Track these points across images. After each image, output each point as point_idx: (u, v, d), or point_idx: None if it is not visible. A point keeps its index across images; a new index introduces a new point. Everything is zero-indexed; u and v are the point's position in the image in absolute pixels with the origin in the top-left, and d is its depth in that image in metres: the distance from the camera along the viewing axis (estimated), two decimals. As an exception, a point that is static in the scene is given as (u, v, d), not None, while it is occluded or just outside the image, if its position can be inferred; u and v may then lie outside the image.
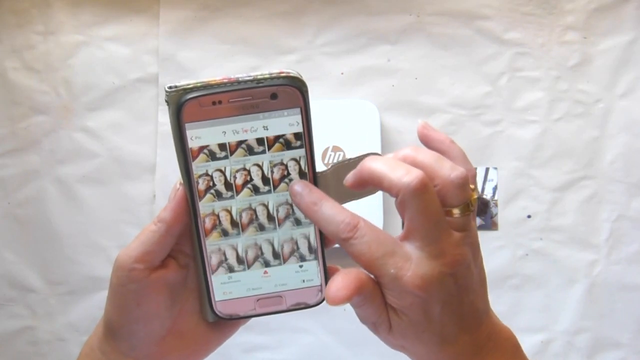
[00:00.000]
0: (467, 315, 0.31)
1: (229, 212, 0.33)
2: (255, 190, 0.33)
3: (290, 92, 0.32)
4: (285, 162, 0.33)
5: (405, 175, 0.29)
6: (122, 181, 0.72)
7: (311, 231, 0.34)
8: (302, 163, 0.33)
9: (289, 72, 0.32)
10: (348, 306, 0.31)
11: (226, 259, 0.34)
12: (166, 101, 0.32)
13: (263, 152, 0.33)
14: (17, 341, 0.71)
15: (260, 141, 0.32)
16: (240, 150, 0.32)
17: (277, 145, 0.33)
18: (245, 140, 0.32)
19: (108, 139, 0.72)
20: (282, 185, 0.33)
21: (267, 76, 0.31)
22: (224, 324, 0.36)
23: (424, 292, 0.29)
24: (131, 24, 0.73)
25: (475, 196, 0.31)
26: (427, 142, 0.34)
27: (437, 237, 0.29)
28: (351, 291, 0.29)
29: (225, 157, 0.32)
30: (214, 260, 0.34)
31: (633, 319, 0.69)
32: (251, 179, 0.33)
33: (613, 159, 0.70)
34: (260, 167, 0.33)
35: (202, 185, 0.33)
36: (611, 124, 0.70)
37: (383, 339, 0.33)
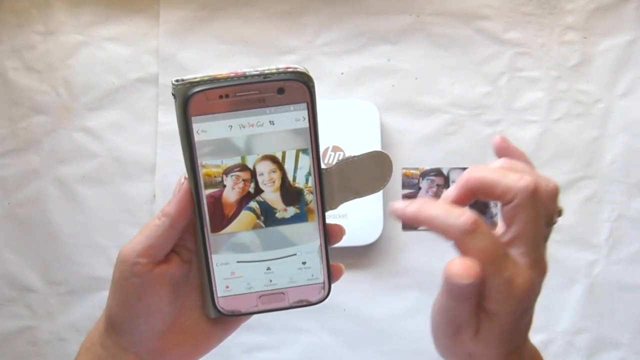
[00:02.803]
0: (530, 324, 0.32)
1: (234, 205, 0.33)
2: (261, 184, 0.33)
3: (297, 87, 0.32)
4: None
5: (520, 180, 0.29)
6: (122, 181, 0.72)
7: (315, 227, 0.34)
8: (308, 158, 0.33)
9: (296, 68, 0.32)
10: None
11: (230, 254, 0.34)
12: (173, 94, 0.32)
13: (269, 145, 0.33)
14: (17, 341, 0.71)
15: (266, 135, 0.32)
16: (246, 144, 0.32)
17: (283, 139, 0.33)
18: (252, 134, 0.32)
19: (108, 139, 0.72)
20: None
21: (274, 71, 0.32)
22: (226, 320, 0.36)
23: (529, 300, 0.29)
24: (131, 24, 0.73)
25: (561, 209, 0.31)
26: (505, 154, 0.33)
27: (539, 245, 0.30)
28: (479, 271, 0.28)
29: (231, 151, 0.32)
30: (217, 255, 0.34)
31: (633, 319, 0.69)
32: (257, 173, 0.33)
33: (613, 159, 0.70)
34: (267, 160, 0.33)
35: (207, 178, 0.33)
36: (611, 124, 0.70)
37: (454, 344, 0.31)
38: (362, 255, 0.69)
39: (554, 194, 0.30)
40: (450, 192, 0.31)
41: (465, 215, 0.28)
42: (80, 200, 0.72)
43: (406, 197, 0.71)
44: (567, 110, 0.71)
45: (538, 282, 0.30)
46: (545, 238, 0.31)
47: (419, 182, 0.71)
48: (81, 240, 0.72)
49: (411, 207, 0.30)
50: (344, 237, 0.36)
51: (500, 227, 0.31)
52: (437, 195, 0.71)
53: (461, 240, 0.28)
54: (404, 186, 0.71)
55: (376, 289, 0.69)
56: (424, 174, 0.71)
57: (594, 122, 0.71)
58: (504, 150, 0.33)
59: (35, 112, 0.73)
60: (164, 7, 0.72)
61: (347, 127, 0.69)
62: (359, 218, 0.66)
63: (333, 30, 0.72)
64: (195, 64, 0.72)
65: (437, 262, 0.70)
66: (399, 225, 0.70)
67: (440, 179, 0.71)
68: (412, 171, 0.71)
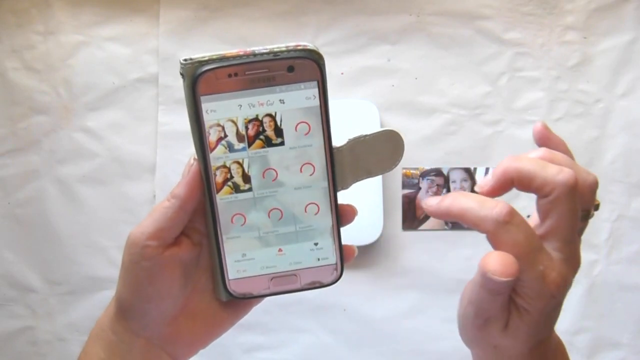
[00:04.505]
0: (557, 317, 0.31)
1: (245, 189, 0.33)
2: (273, 170, 0.33)
3: (307, 65, 0.31)
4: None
5: (559, 174, 0.28)
6: (122, 181, 0.72)
7: (327, 208, 0.34)
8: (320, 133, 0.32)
9: (306, 45, 0.31)
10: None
11: (241, 236, 0.33)
12: (181, 74, 0.31)
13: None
14: (17, 341, 0.71)
15: (276, 126, 0.32)
16: (256, 124, 0.32)
17: (296, 127, 0.32)
18: (262, 113, 0.32)
19: (108, 139, 0.72)
20: (305, 168, 0.33)
21: (283, 49, 0.31)
22: (237, 303, 0.36)
23: (561, 296, 0.29)
24: (131, 24, 0.73)
25: (598, 202, 0.31)
26: (545, 143, 0.32)
27: (573, 239, 0.29)
28: (518, 269, 0.27)
29: (241, 132, 0.32)
30: (228, 237, 0.33)
31: (633, 319, 0.69)
32: (267, 161, 0.32)
33: (613, 159, 0.70)
34: (280, 146, 0.32)
35: (217, 160, 0.32)
36: (611, 124, 0.70)
37: (481, 335, 0.31)
38: (362, 255, 0.69)
39: (592, 187, 0.29)
40: (485, 182, 0.30)
41: (499, 206, 0.28)
42: (80, 200, 0.72)
43: (406, 197, 0.71)
44: (567, 110, 0.71)
45: (570, 277, 0.29)
46: (580, 231, 0.30)
47: (419, 182, 0.71)
48: (81, 240, 0.72)
49: (445, 202, 0.30)
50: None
51: (534, 219, 0.30)
52: (437, 195, 0.71)
53: (494, 232, 0.28)
54: (404, 186, 0.71)
55: (376, 289, 0.69)
56: (424, 174, 0.71)
57: (594, 122, 0.71)
58: (544, 139, 0.32)
59: (35, 112, 0.73)
60: (164, 7, 0.72)
61: (347, 127, 0.68)
62: (358, 218, 0.66)
63: (333, 30, 0.72)
64: (195, 64, 0.72)
65: (437, 262, 0.70)
66: (399, 225, 0.70)
67: (440, 179, 0.71)
68: (412, 171, 0.71)
